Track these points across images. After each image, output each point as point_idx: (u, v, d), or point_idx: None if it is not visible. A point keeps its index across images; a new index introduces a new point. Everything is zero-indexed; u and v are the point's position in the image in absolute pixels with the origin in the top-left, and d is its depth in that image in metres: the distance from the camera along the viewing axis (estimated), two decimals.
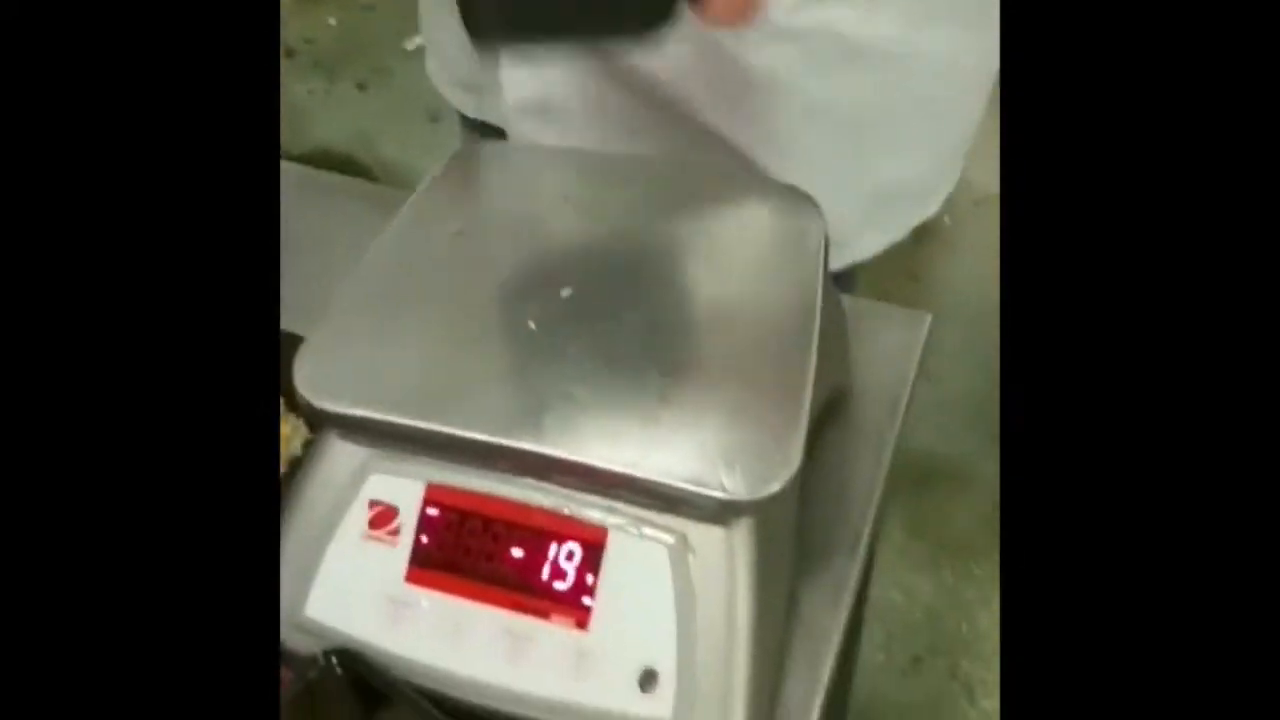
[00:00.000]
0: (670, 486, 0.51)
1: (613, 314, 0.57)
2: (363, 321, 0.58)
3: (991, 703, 1.54)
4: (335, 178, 0.87)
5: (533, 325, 0.57)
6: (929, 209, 0.87)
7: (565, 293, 0.58)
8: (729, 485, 0.51)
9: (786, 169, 0.74)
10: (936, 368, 1.69)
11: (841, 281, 0.94)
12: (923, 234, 2.23)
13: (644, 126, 0.75)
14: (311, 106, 2.25)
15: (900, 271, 2.10)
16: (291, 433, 0.66)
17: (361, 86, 2.31)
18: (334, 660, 0.54)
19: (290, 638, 0.56)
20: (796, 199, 0.63)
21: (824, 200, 0.63)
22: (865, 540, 0.64)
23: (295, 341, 0.58)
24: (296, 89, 2.25)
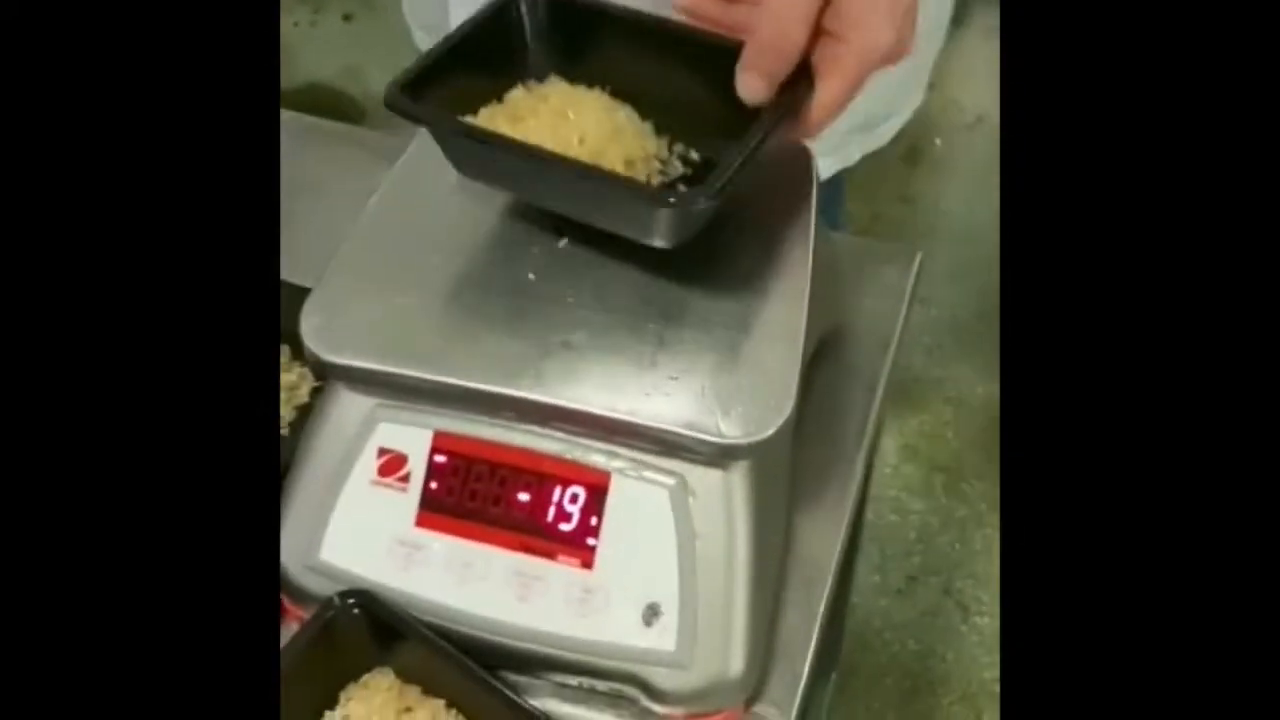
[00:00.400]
0: (669, 432, 0.53)
1: (609, 263, 0.58)
2: (367, 274, 0.59)
3: (984, 620, 1.57)
4: (332, 124, 0.88)
5: (532, 276, 0.58)
6: (880, 139, 0.89)
7: (562, 243, 0.59)
8: (725, 430, 0.53)
9: None
10: (928, 290, 1.70)
11: (828, 208, 0.95)
12: (915, 157, 2.24)
13: None
14: (297, 39, 2.23)
15: (893, 195, 2.10)
16: (299, 380, 0.68)
17: (348, 18, 2.29)
18: (349, 601, 0.56)
19: (306, 580, 0.58)
20: (786, 148, 0.64)
21: None
22: (859, 473, 0.66)
23: (300, 293, 0.59)
24: (282, 21, 2.24)
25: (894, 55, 0.54)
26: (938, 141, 2.23)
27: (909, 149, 2.20)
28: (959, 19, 2.59)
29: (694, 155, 0.59)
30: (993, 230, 2.12)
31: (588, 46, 0.60)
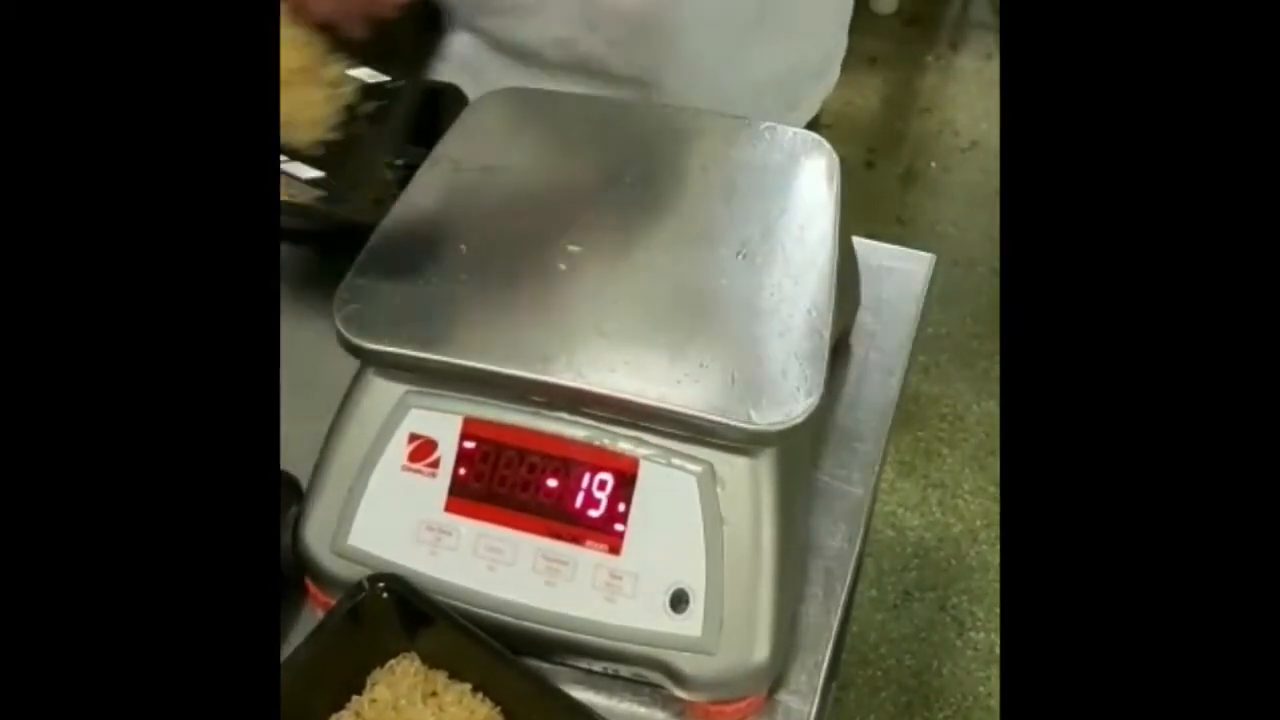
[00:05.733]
0: (699, 418, 0.54)
1: (638, 255, 0.59)
2: (400, 263, 0.60)
3: (979, 635, 1.58)
4: None
5: (563, 266, 0.59)
6: (830, 85, 0.93)
7: (592, 236, 0.60)
8: (754, 416, 0.53)
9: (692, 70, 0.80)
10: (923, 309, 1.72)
11: None
12: (910, 180, 2.25)
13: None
14: None
15: (888, 216, 2.12)
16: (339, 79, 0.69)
17: None
18: (378, 585, 0.57)
19: (334, 566, 0.58)
20: (811, 143, 0.66)
21: (737, 87, 0.70)
22: (877, 469, 0.67)
23: None
24: None
25: None
26: (933, 164, 2.25)
27: (905, 171, 2.22)
28: (954, 44, 2.63)
29: None
30: (987, 251, 2.15)
31: None
